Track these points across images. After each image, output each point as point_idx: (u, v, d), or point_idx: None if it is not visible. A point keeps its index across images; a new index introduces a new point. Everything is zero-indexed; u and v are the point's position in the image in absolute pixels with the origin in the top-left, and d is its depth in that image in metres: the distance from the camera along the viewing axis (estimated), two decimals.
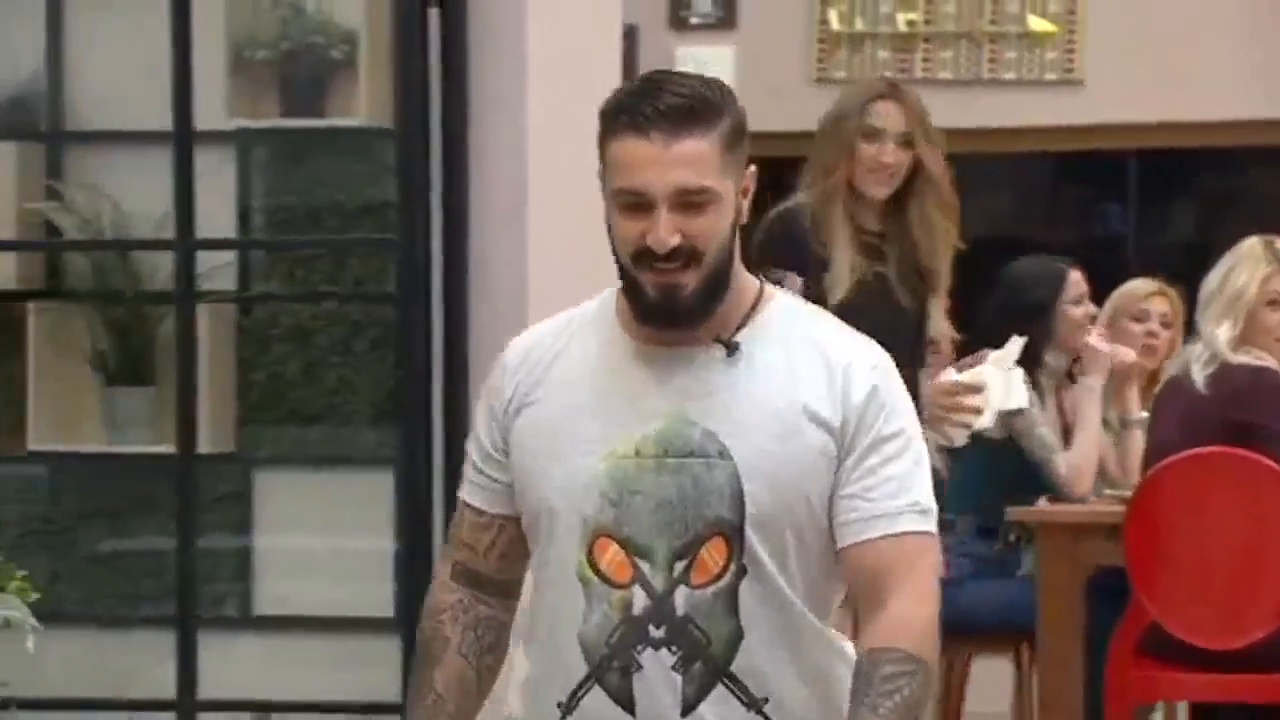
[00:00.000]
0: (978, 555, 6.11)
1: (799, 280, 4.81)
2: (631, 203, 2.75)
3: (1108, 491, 6.21)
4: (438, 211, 4.72)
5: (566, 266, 4.72)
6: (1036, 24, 8.44)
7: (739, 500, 2.79)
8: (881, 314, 4.78)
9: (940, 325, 5.17)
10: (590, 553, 2.81)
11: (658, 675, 2.80)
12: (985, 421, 5.23)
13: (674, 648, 2.79)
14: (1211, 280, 5.86)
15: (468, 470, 2.92)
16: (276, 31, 5.19)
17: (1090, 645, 5.90)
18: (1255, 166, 9.19)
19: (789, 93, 8.09)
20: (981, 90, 8.11)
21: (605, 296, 2.89)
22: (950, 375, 5.12)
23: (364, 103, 5.12)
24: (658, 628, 2.80)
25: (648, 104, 2.75)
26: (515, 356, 2.89)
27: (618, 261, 2.79)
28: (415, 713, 2.91)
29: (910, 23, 8.50)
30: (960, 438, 5.17)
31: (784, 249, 4.97)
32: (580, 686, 2.82)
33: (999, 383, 5.24)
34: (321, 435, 5.33)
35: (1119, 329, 6.60)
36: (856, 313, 3.98)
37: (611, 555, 2.80)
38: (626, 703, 2.81)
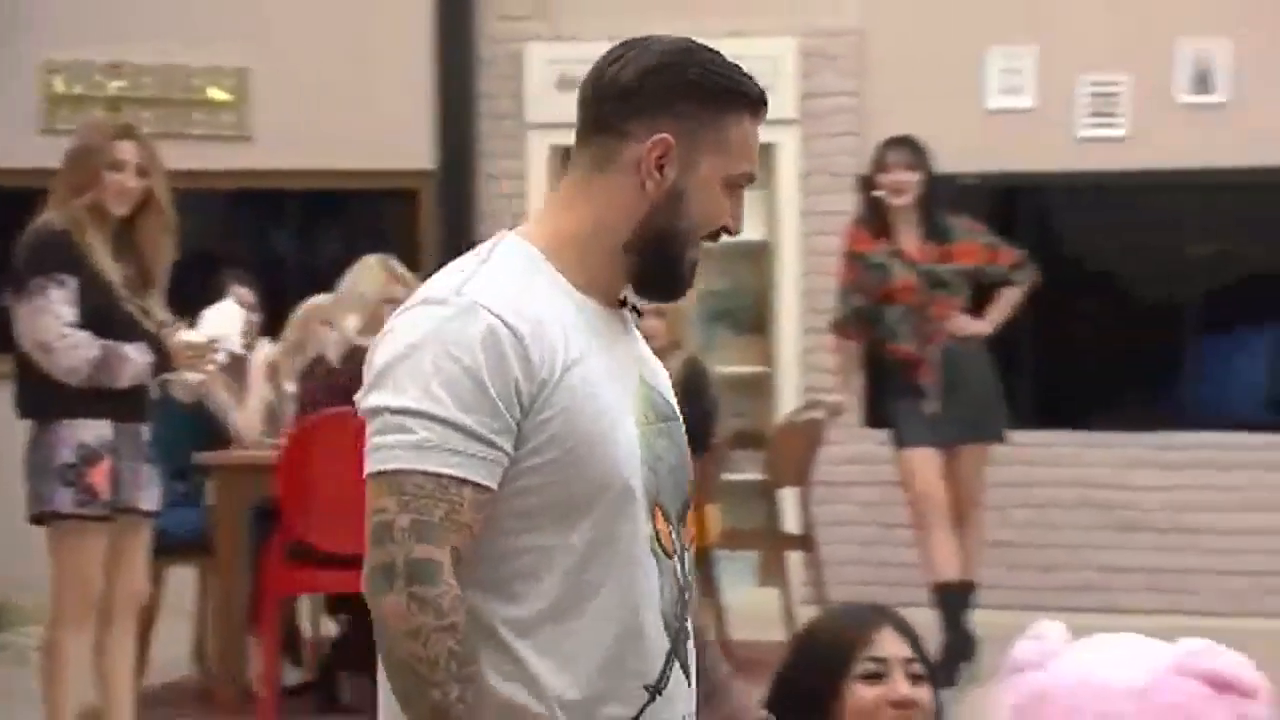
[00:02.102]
0: (173, 491, 5.97)
1: (75, 280, 5.00)
2: (739, 183, 2.18)
3: (269, 440, 6.49)
4: None
5: None
6: (215, 94, 8.79)
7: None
8: (122, 311, 5.07)
9: (162, 313, 5.23)
10: (654, 524, 2.15)
11: (689, 643, 2.23)
12: (221, 359, 5.53)
13: (689, 614, 2.23)
14: (343, 285, 6.32)
15: (462, 445, 2.05)
16: None
17: (254, 555, 6.24)
18: (375, 206, 8.99)
19: (21, 140, 8.28)
20: (177, 141, 8.00)
21: (526, 254, 2.16)
22: (184, 336, 5.24)
23: None
24: (686, 594, 2.22)
25: (758, 88, 2.20)
26: (522, 320, 2.08)
27: (662, 233, 2.15)
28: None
29: (120, 88, 8.82)
30: (198, 379, 5.61)
31: (58, 255, 5.02)
32: (666, 664, 2.16)
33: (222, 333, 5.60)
34: None
35: (310, 329, 6.57)
36: (113, 310, 4.98)
37: (662, 525, 2.17)
38: (689, 675, 2.22)
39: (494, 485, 2.07)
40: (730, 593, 7.31)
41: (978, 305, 6.90)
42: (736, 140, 2.18)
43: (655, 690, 2.15)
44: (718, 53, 2.21)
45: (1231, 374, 8.35)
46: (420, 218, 8.76)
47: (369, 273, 6.27)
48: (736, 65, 2.21)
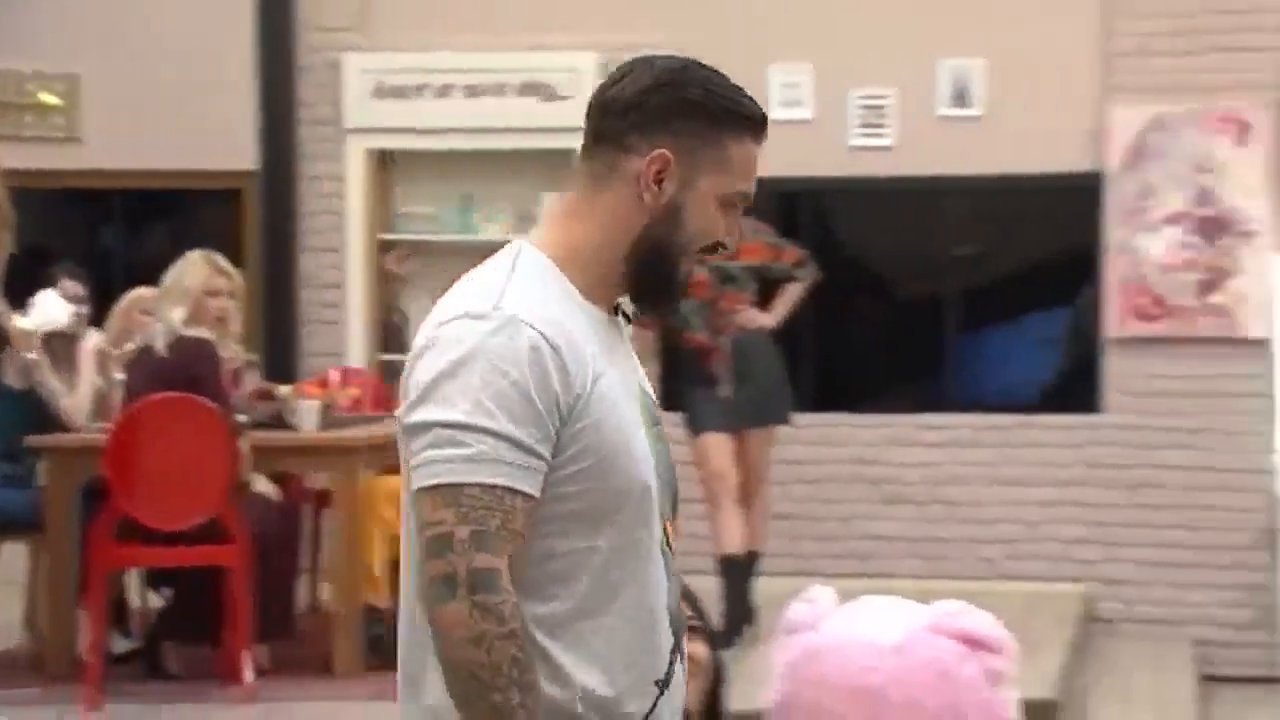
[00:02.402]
0: (5, 472, 6.17)
1: None
2: (735, 202, 2.16)
3: (98, 424, 6.44)
4: None
5: None
6: (46, 98, 8.68)
7: None
8: None
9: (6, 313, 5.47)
10: (663, 525, 2.17)
11: (684, 635, 2.24)
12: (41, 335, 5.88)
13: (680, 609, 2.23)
14: (168, 279, 6.32)
15: (512, 456, 2.03)
16: None
17: (83, 532, 6.19)
18: (199, 205, 8.99)
19: None
20: (9, 143, 7.93)
21: (543, 265, 2.14)
22: (16, 323, 5.58)
23: None
24: (682, 589, 2.23)
25: (759, 109, 2.19)
26: (559, 334, 2.08)
27: (658, 245, 2.13)
28: None
29: None
30: (32, 357, 5.97)
31: None
32: (671, 658, 2.16)
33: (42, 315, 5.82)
34: None
35: (131, 319, 6.67)
36: None
37: (665, 525, 2.18)
38: (685, 667, 2.22)
39: (538, 494, 2.05)
40: None
41: (764, 299, 7.05)
42: (737, 160, 2.14)
43: (664, 685, 2.13)
44: (719, 73, 2.17)
45: (986, 362, 8.61)
46: (243, 216, 8.75)
47: (193, 267, 6.32)
48: (738, 87, 2.17)
